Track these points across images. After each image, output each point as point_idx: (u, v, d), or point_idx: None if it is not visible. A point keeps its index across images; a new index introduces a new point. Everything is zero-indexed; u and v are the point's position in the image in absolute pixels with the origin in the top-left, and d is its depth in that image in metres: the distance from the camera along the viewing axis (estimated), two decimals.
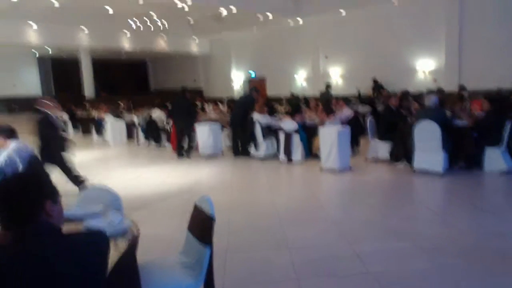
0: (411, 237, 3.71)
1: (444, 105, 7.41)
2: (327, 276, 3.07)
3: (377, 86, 13.50)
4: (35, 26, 14.03)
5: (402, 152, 6.61)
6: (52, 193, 1.43)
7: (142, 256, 2.24)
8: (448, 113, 6.88)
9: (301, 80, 16.94)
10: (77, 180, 5.75)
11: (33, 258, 1.25)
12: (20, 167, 4.22)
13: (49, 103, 5.67)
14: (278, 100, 13.42)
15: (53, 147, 5.54)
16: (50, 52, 18.24)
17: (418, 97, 9.17)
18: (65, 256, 1.29)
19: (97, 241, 1.42)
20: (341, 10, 13.47)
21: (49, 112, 5.61)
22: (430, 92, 9.30)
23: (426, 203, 4.97)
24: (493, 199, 5.16)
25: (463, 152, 6.24)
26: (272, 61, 17.66)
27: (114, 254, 1.76)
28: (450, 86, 11.46)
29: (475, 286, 2.80)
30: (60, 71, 21.63)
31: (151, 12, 13.94)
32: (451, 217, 4.36)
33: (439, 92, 9.70)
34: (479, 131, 6.11)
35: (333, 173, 6.45)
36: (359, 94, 13.16)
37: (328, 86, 13.35)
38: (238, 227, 4.25)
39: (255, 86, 9.86)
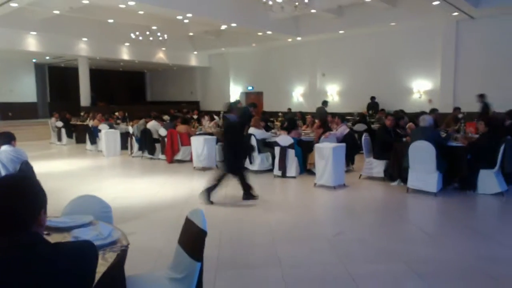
0: (405, 259, 3.66)
1: (439, 126, 7.46)
2: None
3: (373, 104, 13.58)
4: (34, 34, 14.07)
5: (397, 171, 6.61)
6: (45, 202, 1.39)
7: (130, 269, 2.18)
8: (443, 134, 6.92)
9: (297, 96, 17.06)
10: (249, 190, 5.82)
11: (26, 269, 1.22)
12: (4, 172, 4.16)
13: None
14: (275, 115, 13.45)
15: (237, 152, 5.76)
16: (48, 58, 18.25)
17: (414, 117, 9.22)
18: (52, 267, 1.26)
19: (85, 251, 1.39)
20: (340, 31, 13.67)
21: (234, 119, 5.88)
22: (425, 112, 9.38)
23: (420, 223, 4.94)
24: (487, 221, 5.15)
25: (457, 173, 6.25)
26: (269, 76, 17.80)
27: (101, 266, 1.71)
28: (445, 108, 11.58)
29: None
30: (56, 79, 21.57)
31: (151, 25, 14.06)
32: (445, 239, 4.32)
33: (434, 112, 9.79)
34: (473, 153, 6.13)
35: (327, 190, 6.42)
36: (359, 114, 13.20)
37: (324, 103, 13.43)
38: (229, 242, 4.18)
39: (254, 102, 9.83)
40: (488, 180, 5.95)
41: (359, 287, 3.10)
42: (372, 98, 13.70)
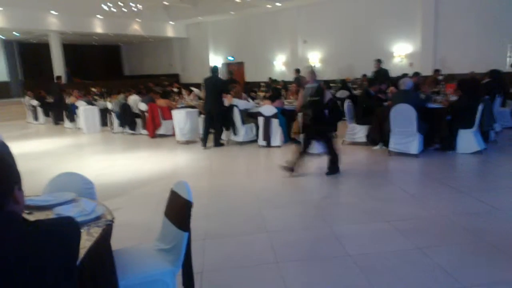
0: (389, 219, 3.77)
1: (419, 89, 7.53)
2: (306, 259, 3.09)
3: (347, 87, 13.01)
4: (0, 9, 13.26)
5: (379, 135, 6.70)
6: (19, 178, 1.33)
7: (117, 244, 2.16)
8: (423, 96, 6.99)
9: (279, 64, 16.85)
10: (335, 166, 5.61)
11: (4, 248, 1.17)
12: None
13: None
14: (257, 85, 13.30)
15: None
16: (17, 35, 17.35)
17: (396, 81, 9.27)
18: (32, 245, 1.22)
19: (65, 227, 1.34)
20: None
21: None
22: (405, 75, 9.44)
23: (402, 184, 5.06)
24: (466, 179, 5.31)
25: (437, 134, 6.38)
26: (250, 46, 17.44)
27: (87, 242, 1.69)
28: (426, 70, 11.67)
29: (453, 266, 2.87)
30: (28, 56, 20.63)
31: None
32: (426, 197, 4.45)
33: (416, 75, 9.85)
34: (452, 114, 6.24)
35: (312, 157, 6.47)
36: (341, 81, 13.07)
37: (297, 71, 13.22)
38: (216, 211, 4.21)
39: (214, 65, 8.81)
40: (467, 140, 6.10)
41: (344, 247, 3.19)
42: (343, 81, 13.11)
